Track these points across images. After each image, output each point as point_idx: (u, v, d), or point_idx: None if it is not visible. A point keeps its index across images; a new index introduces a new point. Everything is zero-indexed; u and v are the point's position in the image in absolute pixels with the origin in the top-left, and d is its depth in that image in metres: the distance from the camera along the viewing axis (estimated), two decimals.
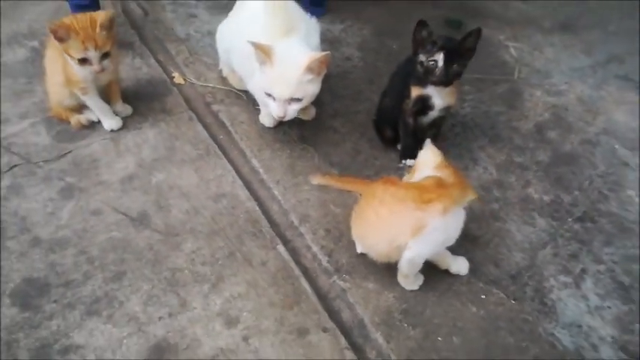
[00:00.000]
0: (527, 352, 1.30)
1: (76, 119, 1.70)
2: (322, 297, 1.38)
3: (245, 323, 1.31)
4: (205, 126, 1.78)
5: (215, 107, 1.85)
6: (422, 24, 1.49)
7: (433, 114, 1.60)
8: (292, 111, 1.53)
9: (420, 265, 1.33)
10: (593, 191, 1.67)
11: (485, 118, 1.88)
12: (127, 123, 1.75)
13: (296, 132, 1.78)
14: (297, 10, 1.73)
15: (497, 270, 1.46)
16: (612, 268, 1.47)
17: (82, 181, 1.58)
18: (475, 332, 1.33)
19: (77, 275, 1.37)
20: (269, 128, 1.78)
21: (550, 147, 1.79)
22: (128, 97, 1.82)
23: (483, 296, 1.40)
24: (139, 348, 1.25)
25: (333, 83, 1.97)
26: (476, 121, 1.86)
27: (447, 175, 1.33)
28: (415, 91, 1.57)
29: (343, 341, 1.29)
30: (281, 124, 1.78)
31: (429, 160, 1.37)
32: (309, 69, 1.48)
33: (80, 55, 1.48)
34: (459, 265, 1.42)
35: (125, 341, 1.26)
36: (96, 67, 1.51)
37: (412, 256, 1.28)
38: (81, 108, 1.71)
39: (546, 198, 1.64)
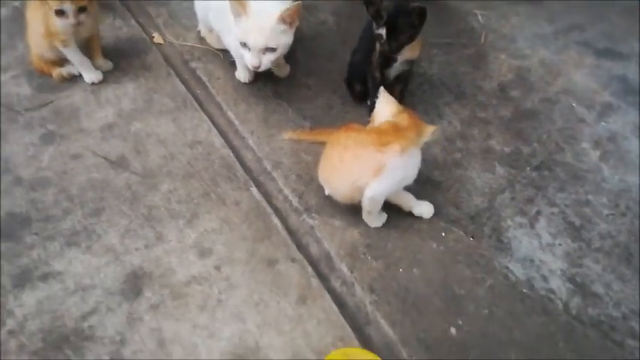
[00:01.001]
0: (482, 283, 1.39)
1: (57, 72, 1.76)
2: (292, 232, 1.47)
3: (218, 254, 1.38)
4: (183, 81, 1.85)
5: (193, 64, 1.91)
6: (368, 2, 1.55)
7: (397, 66, 1.68)
8: (267, 61, 1.60)
9: (380, 203, 1.41)
10: (550, 143, 1.76)
11: (452, 78, 1.97)
12: (107, 77, 1.81)
13: (271, 88, 1.86)
14: None
15: (457, 211, 1.55)
16: (564, 210, 1.57)
17: (63, 128, 1.64)
18: (434, 265, 1.42)
19: (57, 211, 1.43)
20: (245, 84, 1.85)
21: (512, 104, 1.89)
22: (109, 53, 1.88)
23: (443, 234, 1.49)
24: (115, 275, 1.32)
25: (308, 44, 2.05)
26: (443, 80, 1.95)
27: (402, 119, 1.42)
28: (378, 46, 1.66)
29: (310, 270, 1.37)
30: (256, 80, 1.86)
31: (385, 108, 1.46)
32: (282, 19, 1.56)
33: (57, 7, 1.53)
34: (422, 208, 1.51)
35: (103, 269, 1.33)
36: (72, 20, 1.56)
37: (373, 194, 1.37)
38: (62, 62, 1.76)
39: (507, 149, 1.74)
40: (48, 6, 1.54)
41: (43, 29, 1.64)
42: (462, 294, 1.36)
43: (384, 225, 1.49)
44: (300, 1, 1.56)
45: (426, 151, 1.63)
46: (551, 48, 2.13)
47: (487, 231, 1.51)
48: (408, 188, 1.49)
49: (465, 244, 1.47)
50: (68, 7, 1.54)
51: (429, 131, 1.40)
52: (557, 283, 1.40)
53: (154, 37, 2.01)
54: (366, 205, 1.41)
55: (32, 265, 1.32)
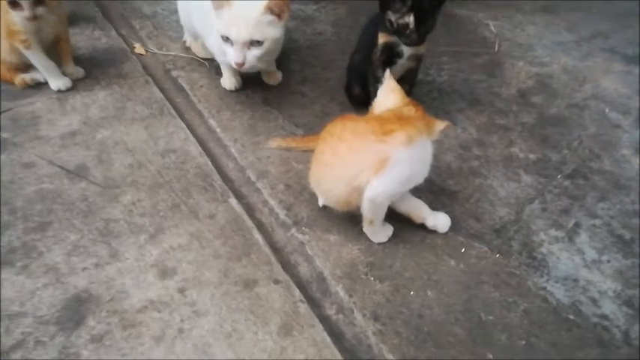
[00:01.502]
0: (515, 308, 1.10)
1: (20, 78, 1.57)
2: (277, 250, 1.20)
3: (183, 275, 1.12)
4: (162, 90, 1.65)
5: (175, 73, 1.72)
6: None
7: (402, 62, 1.47)
8: (252, 57, 1.40)
9: (384, 207, 1.15)
10: (583, 150, 1.51)
11: (463, 85, 1.75)
12: (77, 85, 1.62)
13: (260, 95, 1.65)
14: None
15: (478, 224, 1.28)
16: (609, 222, 1.30)
17: (18, 136, 1.43)
18: (453, 286, 1.14)
19: None
20: (231, 92, 1.65)
21: (535, 110, 1.66)
22: (82, 62, 1.69)
23: (463, 250, 1.22)
24: (53, 300, 1.06)
25: (304, 54, 1.86)
26: (454, 87, 1.74)
27: (409, 110, 1.19)
28: (382, 38, 1.45)
29: (297, 294, 1.10)
30: (244, 88, 1.66)
31: (389, 96, 1.23)
32: (269, 8, 1.37)
33: None
34: (437, 219, 1.25)
35: (38, 292, 1.07)
36: (27, 12, 1.38)
37: (374, 194, 1.11)
38: (27, 68, 1.58)
39: (532, 156, 1.49)
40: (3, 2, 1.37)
41: (3, 29, 1.47)
42: (491, 321, 1.07)
43: (391, 240, 1.22)
44: None
45: (438, 158, 1.40)
46: (573, 55, 1.92)
47: (516, 246, 1.23)
48: (418, 197, 1.23)
49: (491, 262, 1.19)
50: None
51: (439, 128, 1.16)
52: (611, 308, 1.11)
53: (135, 47, 1.83)
54: (366, 210, 1.15)
55: None
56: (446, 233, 1.24)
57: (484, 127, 1.58)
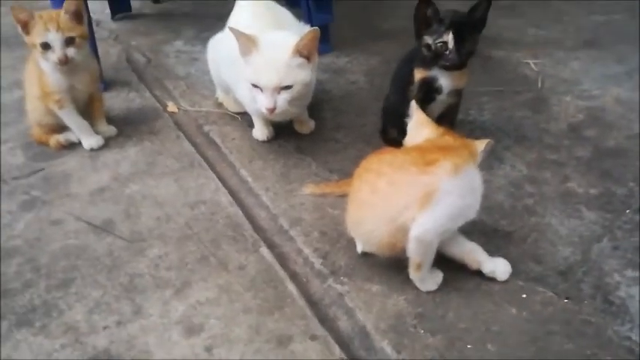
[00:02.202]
0: None
1: (55, 139, 1.58)
2: (313, 302, 1.09)
3: (210, 332, 1.01)
4: (193, 144, 1.62)
5: (206, 128, 1.70)
6: (427, 2, 1.30)
7: (442, 99, 1.39)
8: (282, 101, 1.35)
9: (433, 248, 1.03)
10: None
11: (507, 122, 1.64)
12: (109, 143, 1.62)
13: (292, 144, 1.59)
14: (287, 14, 1.64)
15: (539, 267, 1.13)
16: None
17: (49, 194, 1.41)
18: (517, 337, 0.98)
19: (16, 284, 1.14)
20: (263, 142, 1.60)
21: (589, 143, 1.52)
22: (116, 122, 1.70)
23: (524, 296, 1.07)
24: None
25: (337, 103, 1.82)
26: (497, 125, 1.63)
27: (447, 140, 1.09)
28: (419, 74, 1.38)
29: (338, 351, 0.97)
30: (276, 138, 1.61)
31: (420, 130, 1.14)
32: (298, 51, 1.33)
33: (41, 39, 1.38)
34: (496, 265, 1.10)
35: (55, 354, 0.99)
36: (59, 53, 1.39)
37: (422, 232, 0.99)
38: (61, 129, 1.59)
39: (593, 191, 1.34)
40: (33, 43, 1.40)
41: (38, 90, 1.49)
42: None
43: (441, 287, 1.09)
44: (316, 28, 1.34)
45: (488, 198, 1.28)
46: (625, 86, 1.80)
47: (587, 290, 1.07)
48: (469, 239, 1.11)
49: (559, 308, 1.03)
50: (54, 37, 1.38)
51: (480, 148, 1.05)
52: None
53: (167, 106, 1.83)
54: (413, 252, 1.02)
55: None
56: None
57: (535, 163, 1.46)
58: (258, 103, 1.38)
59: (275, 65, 1.33)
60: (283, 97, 1.35)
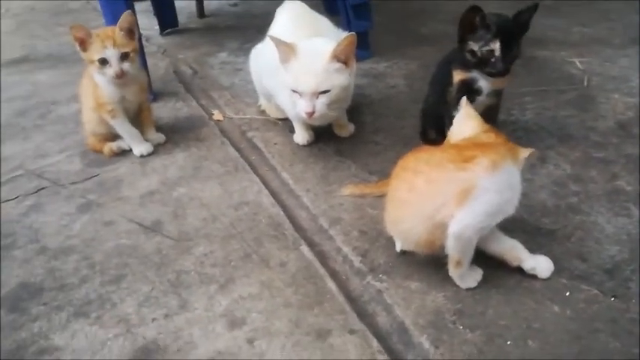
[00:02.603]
0: None
1: (108, 147, 1.67)
2: (352, 299, 1.10)
3: (252, 325, 1.05)
4: (237, 149, 1.68)
5: (250, 134, 1.76)
6: (476, 10, 1.28)
7: (481, 100, 1.38)
8: (321, 105, 1.39)
9: (472, 244, 1.03)
10: None
11: (551, 122, 1.62)
12: (158, 150, 1.69)
13: (332, 147, 1.62)
14: (325, 22, 1.69)
15: (584, 264, 1.11)
16: None
17: (102, 197, 1.49)
18: (560, 335, 0.96)
19: (74, 279, 1.21)
20: (304, 146, 1.64)
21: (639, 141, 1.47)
22: (164, 130, 1.78)
23: (568, 293, 1.05)
24: (122, 350, 1.02)
25: (376, 106, 1.84)
26: (540, 125, 1.61)
27: (488, 137, 1.09)
28: (458, 76, 1.39)
29: (376, 344, 0.98)
30: (317, 142, 1.64)
31: (466, 124, 1.14)
32: (335, 56, 1.37)
33: (99, 55, 1.48)
34: (538, 262, 1.09)
35: (109, 343, 1.04)
36: (116, 67, 1.49)
37: (460, 228, 0.99)
38: (113, 137, 1.68)
39: None
40: (91, 59, 1.49)
41: (93, 101, 1.59)
42: None
43: (480, 285, 1.08)
44: (353, 34, 1.37)
45: (530, 197, 1.28)
46: None
47: (635, 288, 1.04)
48: (511, 237, 1.10)
49: (605, 307, 1.01)
50: (111, 53, 1.48)
51: (524, 155, 1.05)
52: None
53: (213, 114, 1.91)
54: (452, 248, 1.03)
55: (30, 340, 1.06)
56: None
57: (579, 162, 1.43)
58: (298, 108, 1.42)
59: (313, 71, 1.37)
60: (322, 102, 1.39)
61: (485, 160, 1.00)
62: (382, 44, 2.28)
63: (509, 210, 1.02)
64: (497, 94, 1.40)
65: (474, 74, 1.37)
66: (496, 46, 1.28)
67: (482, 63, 1.32)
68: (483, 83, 1.37)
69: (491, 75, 1.34)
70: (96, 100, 1.58)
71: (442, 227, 1.01)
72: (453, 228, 1.00)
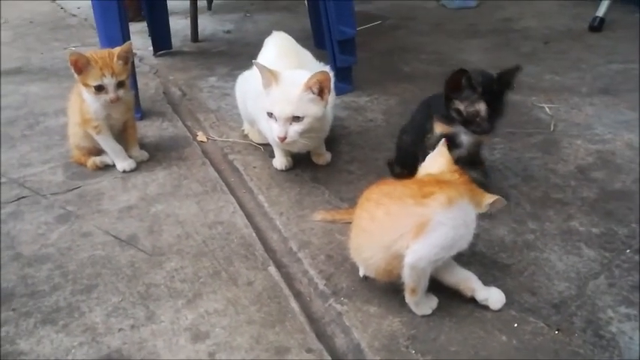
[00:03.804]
0: None
1: (91, 161, 1.72)
2: (313, 319, 1.16)
3: (215, 339, 1.09)
4: (218, 170, 1.74)
5: (231, 157, 1.82)
6: (462, 72, 1.32)
7: (460, 152, 1.43)
8: (293, 132, 1.47)
9: (426, 275, 1.09)
10: None
11: (517, 163, 1.70)
12: (140, 167, 1.75)
13: (309, 174, 1.69)
14: (308, 55, 1.79)
15: (533, 298, 1.17)
16: None
17: (82, 209, 1.53)
18: None
19: (45, 287, 1.25)
20: (282, 171, 1.71)
21: (596, 185, 1.56)
22: (148, 148, 1.84)
23: (516, 325, 1.11)
24: (86, 358, 1.06)
25: (354, 138, 1.92)
26: (506, 165, 1.69)
27: (452, 176, 1.16)
28: (440, 128, 1.42)
29: None
30: (294, 168, 1.71)
31: (437, 161, 1.21)
32: (309, 87, 1.45)
33: (97, 82, 1.54)
34: (490, 293, 1.15)
35: (73, 351, 1.08)
36: (112, 94, 1.56)
37: (415, 259, 1.05)
38: (98, 151, 1.74)
39: (595, 230, 1.38)
40: (86, 83, 1.55)
41: (79, 117, 1.65)
42: None
43: (435, 312, 1.14)
44: (325, 71, 1.46)
45: (490, 232, 1.35)
46: (637, 132, 1.84)
47: (579, 323, 1.10)
48: (468, 269, 1.16)
49: (549, 339, 1.07)
50: (108, 82, 1.55)
51: (488, 202, 1.12)
52: None
53: (197, 135, 1.97)
54: (408, 277, 1.09)
55: None
56: None
57: (539, 201, 1.51)
58: (272, 132, 1.49)
59: (288, 98, 1.45)
60: (294, 129, 1.46)
61: (442, 196, 1.07)
62: (365, 79, 2.37)
63: (463, 244, 1.09)
64: (477, 145, 1.46)
65: (457, 129, 1.39)
66: (482, 107, 1.31)
67: (467, 122, 1.35)
68: (465, 138, 1.40)
69: (476, 133, 1.37)
70: (82, 115, 1.64)
71: (399, 257, 1.07)
72: (409, 259, 1.06)
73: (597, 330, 1.09)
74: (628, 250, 1.30)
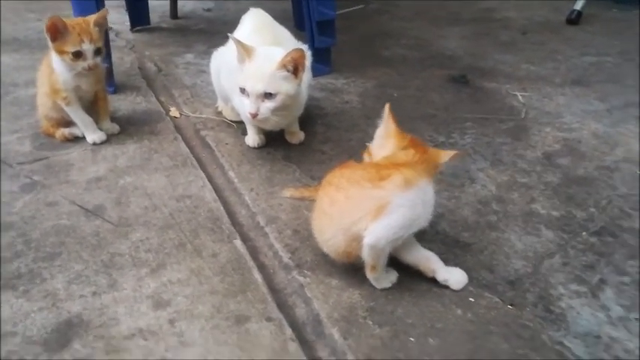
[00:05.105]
0: None
1: (60, 132, 1.71)
2: (275, 290, 1.17)
3: (176, 307, 1.10)
4: (189, 146, 1.73)
5: (204, 132, 1.81)
6: None
7: None
8: (265, 109, 1.47)
9: (384, 254, 1.10)
10: (612, 209, 1.43)
11: (486, 147, 1.73)
12: (111, 140, 1.74)
13: (281, 152, 1.70)
14: (286, 33, 1.78)
15: (491, 275, 1.21)
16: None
17: (49, 179, 1.52)
18: (458, 335, 1.05)
19: (7, 253, 1.24)
20: (254, 148, 1.71)
21: (560, 171, 1.60)
22: (120, 121, 1.82)
23: (472, 299, 1.14)
24: (45, 322, 1.06)
25: (330, 119, 1.92)
26: (476, 149, 1.72)
27: (407, 154, 1.17)
28: None
29: (289, 332, 1.05)
30: (267, 146, 1.71)
31: (387, 144, 1.23)
32: (283, 65, 1.45)
33: (75, 48, 1.52)
34: (451, 274, 1.17)
35: (33, 315, 1.08)
36: (90, 61, 1.54)
37: (374, 240, 1.06)
38: (67, 123, 1.72)
39: (555, 213, 1.41)
40: (62, 50, 1.53)
41: (48, 87, 1.63)
42: None
43: (395, 287, 1.17)
44: (300, 49, 1.46)
45: (454, 212, 1.38)
46: (604, 122, 1.88)
47: (531, 298, 1.14)
48: (430, 248, 1.19)
49: (502, 312, 1.10)
50: (87, 48, 1.53)
51: (445, 158, 1.14)
52: None
53: (170, 110, 1.96)
54: (367, 256, 1.10)
55: None
56: None
57: (505, 185, 1.54)
58: (244, 108, 1.49)
59: (262, 74, 1.45)
60: (266, 106, 1.46)
61: (399, 178, 1.08)
62: (344, 62, 2.37)
63: (422, 223, 1.11)
64: None
65: None
66: None
67: None
68: None
69: None
70: (51, 85, 1.62)
71: (358, 239, 1.08)
72: (368, 239, 1.07)
73: (548, 305, 1.12)
74: (584, 233, 1.34)
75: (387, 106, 1.25)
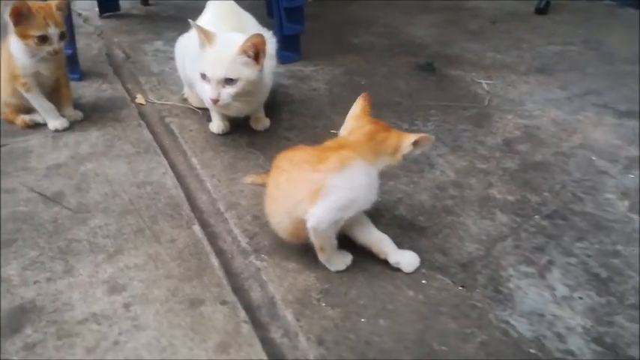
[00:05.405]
0: (472, 339, 1.03)
1: (21, 119, 1.69)
2: (232, 275, 1.19)
3: (132, 292, 1.11)
4: (153, 133, 1.73)
5: (168, 119, 1.81)
6: None
7: None
8: (226, 95, 1.47)
9: (329, 236, 1.12)
10: (565, 194, 1.47)
11: (448, 134, 1.76)
12: (74, 126, 1.73)
13: (245, 139, 1.70)
14: (251, 19, 1.78)
15: (444, 258, 1.24)
16: (585, 261, 1.23)
17: (7, 166, 1.51)
18: (409, 316, 1.08)
19: None
20: (218, 135, 1.71)
21: (518, 157, 1.64)
22: (84, 108, 1.81)
23: (424, 281, 1.17)
24: None
25: (296, 106, 1.93)
26: (438, 136, 1.74)
27: (361, 133, 1.18)
28: None
29: (243, 315, 1.07)
30: (232, 133, 1.72)
31: (353, 119, 1.24)
32: (244, 50, 1.45)
33: (41, 32, 1.50)
34: (403, 257, 1.20)
35: None
36: (56, 45, 1.53)
37: (315, 223, 1.08)
38: (28, 110, 1.70)
39: (511, 198, 1.45)
40: (26, 34, 1.51)
41: (7, 73, 1.61)
42: (443, 351, 1.00)
43: (349, 269, 1.19)
44: (260, 34, 1.47)
45: (412, 197, 1.40)
46: (564, 109, 1.93)
47: (482, 280, 1.17)
48: (384, 231, 1.21)
49: (452, 294, 1.13)
50: (53, 32, 1.51)
51: (409, 141, 1.16)
52: (577, 343, 1.02)
53: (136, 97, 1.95)
54: (313, 238, 1.12)
55: None
56: None
57: (463, 170, 1.57)
58: (206, 94, 1.49)
59: (222, 59, 1.45)
60: (227, 91, 1.47)
61: (334, 160, 1.09)
62: (313, 49, 2.38)
63: (364, 205, 1.12)
64: None
65: None
66: None
67: None
68: None
69: None
70: (10, 71, 1.60)
71: (302, 222, 1.10)
72: (309, 223, 1.08)
73: (497, 286, 1.16)
74: (537, 216, 1.38)
75: (362, 95, 1.25)
